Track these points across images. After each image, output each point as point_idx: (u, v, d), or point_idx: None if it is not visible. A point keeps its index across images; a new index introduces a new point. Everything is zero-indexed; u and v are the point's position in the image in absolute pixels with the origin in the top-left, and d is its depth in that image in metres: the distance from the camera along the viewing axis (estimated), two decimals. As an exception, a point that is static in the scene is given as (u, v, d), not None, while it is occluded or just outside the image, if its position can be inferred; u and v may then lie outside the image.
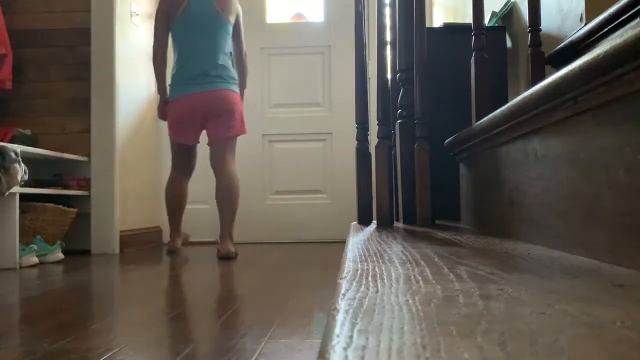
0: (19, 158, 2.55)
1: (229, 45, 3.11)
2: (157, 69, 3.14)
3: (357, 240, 1.09)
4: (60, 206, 3.05)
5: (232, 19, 3.11)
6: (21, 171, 2.54)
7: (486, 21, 2.37)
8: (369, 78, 3.11)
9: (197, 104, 3.02)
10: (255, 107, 4.07)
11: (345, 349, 0.32)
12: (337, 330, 0.36)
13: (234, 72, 3.11)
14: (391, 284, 0.53)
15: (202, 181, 3.81)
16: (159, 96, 3.15)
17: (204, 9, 3.02)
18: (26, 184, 2.72)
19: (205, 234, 3.95)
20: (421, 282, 0.54)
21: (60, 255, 2.87)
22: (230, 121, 3.06)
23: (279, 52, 4.17)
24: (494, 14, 2.41)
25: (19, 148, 2.62)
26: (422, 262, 0.69)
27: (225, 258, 2.90)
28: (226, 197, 2.98)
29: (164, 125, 3.80)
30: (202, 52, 3.02)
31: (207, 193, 3.84)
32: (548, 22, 1.85)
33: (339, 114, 4.07)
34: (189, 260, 2.89)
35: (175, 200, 3.17)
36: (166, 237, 3.96)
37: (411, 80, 1.59)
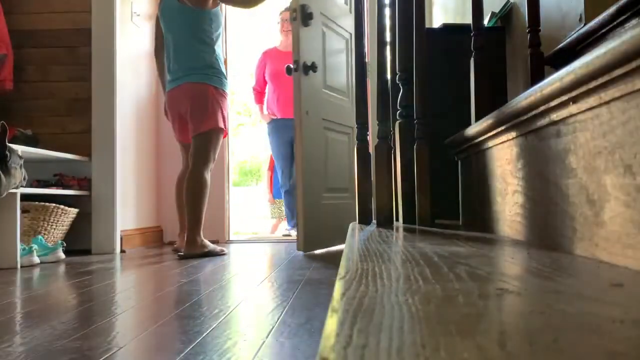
0: (22, 162, 2.55)
1: (204, 33, 2.94)
2: (157, 67, 3.24)
3: (357, 240, 1.09)
4: (61, 206, 3.05)
5: (203, 2, 2.94)
6: (20, 176, 2.54)
7: (486, 21, 2.37)
8: (369, 78, 3.11)
9: (169, 101, 3.05)
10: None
11: (345, 348, 0.32)
12: (337, 329, 0.36)
13: (210, 61, 2.92)
14: (391, 284, 0.53)
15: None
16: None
17: (169, 3, 2.99)
18: (27, 183, 2.72)
19: (204, 234, 3.94)
20: (421, 282, 0.54)
21: (61, 255, 2.87)
22: (196, 117, 2.92)
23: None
24: (493, 14, 2.41)
25: (19, 148, 2.62)
26: (422, 262, 0.69)
27: (185, 257, 2.89)
28: (185, 201, 2.94)
29: (165, 125, 3.82)
30: (175, 47, 2.99)
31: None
32: (548, 22, 1.85)
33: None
34: (187, 259, 2.89)
35: (176, 196, 3.23)
36: (166, 237, 3.96)
37: (411, 80, 1.59)
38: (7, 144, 2.42)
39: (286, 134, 4.43)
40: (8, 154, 2.42)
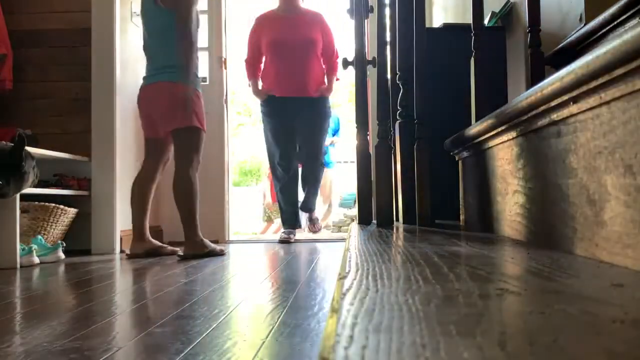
0: (34, 162, 2.53)
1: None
2: None
3: (357, 240, 1.09)
4: (61, 206, 3.05)
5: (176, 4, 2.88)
6: (32, 178, 2.53)
7: (486, 21, 2.37)
8: (369, 78, 3.10)
9: (142, 99, 2.99)
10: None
11: (345, 348, 0.32)
12: (337, 329, 0.36)
13: (183, 60, 2.85)
14: (391, 284, 0.53)
15: (201, 181, 3.80)
16: None
17: (147, 4, 2.97)
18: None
19: (204, 234, 3.94)
20: (421, 282, 0.54)
21: (61, 255, 2.87)
22: (168, 115, 2.88)
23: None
24: (493, 14, 2.41)
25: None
26: (422, 262, 0.69)
27: (186, 257, 2.87)
28: (178, 203, 2.91)
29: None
30: (151, 47, 2.97)
31: (206, 194, 3.83)
32: (548, 22, 1.85)
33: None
34: (186, 259, 2.89)
35: (135, 196, 3.08)
36: (166, 237, 3.96)
37: (411, 80, 1.59)
38: (23, 154, 2.40)
39: (285, 116, 3.71)
40: (24, 163, 2.41)
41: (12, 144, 2.46)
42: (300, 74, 3.70)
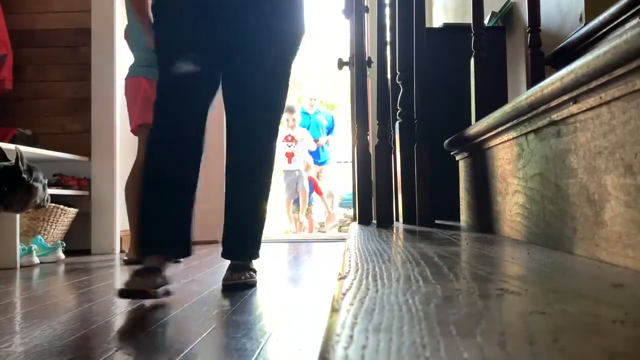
0: (45, 181, 2.39)
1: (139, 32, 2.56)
2: None
3: (357, 240, 1.09)
4: (61, 206, 3.05)
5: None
6: (42, 195, 2.38)
7: (486, 21, 2.37)
8: (369, 78, 3.10)
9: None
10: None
11: (345, 348, 0.32)
12: (337, 329, 0.36)
13: (140, 57, 2.70)
14: (391, 284, 0.53)
15: (201, 180, 3.80)
16: None
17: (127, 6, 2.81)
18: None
19: (205, 234, 3.95)
20: (421, 282, 0.54)
21: (61, 255, 2.87)
22: (129, 111, 2.70)
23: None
24: (493, 14, 2.41)
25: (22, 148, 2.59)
26: (422, 262, 0.69)
27: (130, 262, 2.58)
28: (133, 201, 2.66)
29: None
30: (132, 47, 2.84)
31: (206, 193, 3.83)
32: (548, 22, 1.85)
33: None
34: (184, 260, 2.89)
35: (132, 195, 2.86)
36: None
37: (411, 80, 1.59)
38: (22, 166, 2.29)
39: None
40: (25, 174, 2.31)
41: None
42: None
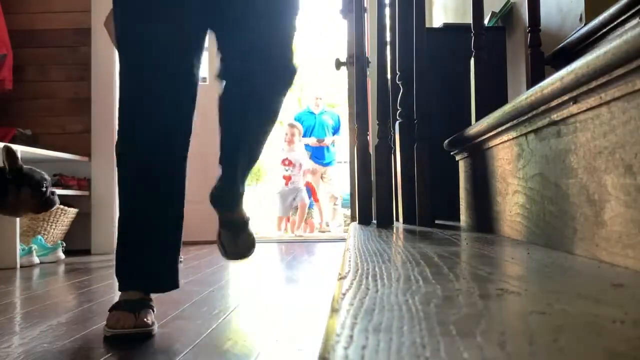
0: (37, 188, 2.27)
1: None
2: None
3: (357, 240, 1.09)
4: (61, 206, 3.04)
5: None
6: (26, 201, 2.25)
7: (486, 21, 2.37)
8: (368, 78, 3.10)
9: None
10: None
11: (345, 348, 0.32)
12: (337, 329, 0.36)
13: None
14: (391, 284, 0.53)
15: (201, 181, 3.80)
16: None
17: None
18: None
19: (204, 234, 3.95)
20: (421, 282, 0.54)
21: (61, 255, 2.87)
22: None
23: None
24: (493, 14, 2.41)
25: (19, 148, 2.59)
26: (422, 262, 0.69)
27: None
28: None
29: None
30: None
31: (206, 193, 3.83)
32: (548, 22, 1.85)
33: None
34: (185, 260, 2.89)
35: None
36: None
37: (411, 80, 1.59)
38: (19, 166, 2.20)
39: None
40: (10, 176, 2.24)
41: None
42: None
